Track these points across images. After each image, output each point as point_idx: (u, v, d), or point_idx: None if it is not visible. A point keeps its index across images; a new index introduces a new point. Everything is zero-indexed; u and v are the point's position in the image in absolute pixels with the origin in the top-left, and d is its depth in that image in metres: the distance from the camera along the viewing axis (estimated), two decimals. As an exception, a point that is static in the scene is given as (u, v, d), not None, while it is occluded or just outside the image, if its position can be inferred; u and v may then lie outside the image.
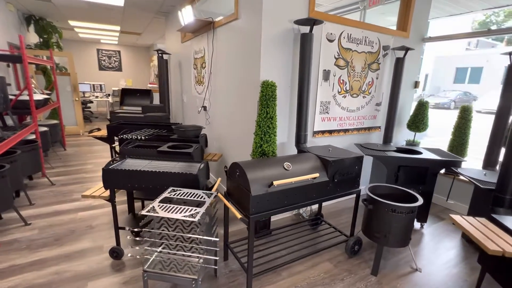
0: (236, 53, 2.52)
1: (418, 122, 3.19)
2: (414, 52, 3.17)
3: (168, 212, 1.41)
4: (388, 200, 1.89)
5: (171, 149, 2.30)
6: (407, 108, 3.39)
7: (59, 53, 5.29)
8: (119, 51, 10.07)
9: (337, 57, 2.53)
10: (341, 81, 2.64)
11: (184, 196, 1.60)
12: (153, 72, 9.49)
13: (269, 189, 1.57)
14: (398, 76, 2.87)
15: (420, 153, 2.57)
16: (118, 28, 6.76)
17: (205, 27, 3.12)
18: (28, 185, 3.19)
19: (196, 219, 1.33)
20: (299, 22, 2.12)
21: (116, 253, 1.94)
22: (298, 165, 1.77)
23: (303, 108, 2.21)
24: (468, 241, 2.36)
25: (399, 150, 2.65)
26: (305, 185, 1.71)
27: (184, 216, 1.36)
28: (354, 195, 2.05)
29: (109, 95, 8.82)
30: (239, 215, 1.54)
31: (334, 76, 2.57)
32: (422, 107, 3.17)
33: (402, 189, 2.05)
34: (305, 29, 2.25)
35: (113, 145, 2.94)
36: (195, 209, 1.43)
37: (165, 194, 1.59)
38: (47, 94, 4.50)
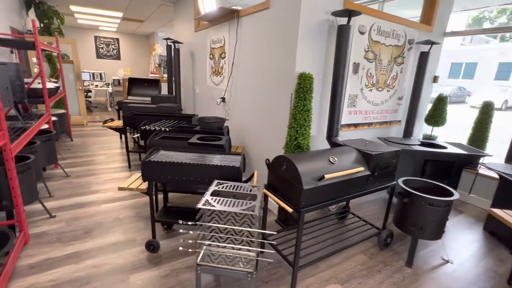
0: (265, 43, 2.47)
1: (437, 116, 3.22)
2: (434, 46, 3.17)
3: (223, 205, 1.39)
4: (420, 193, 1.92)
5: (202, 141, 2.26)
6: (425, 102, 3.41)
7: (63, 40, 5.08)
8: (117, 39, 9.78)
9: (366, 50, 2.51)
10: (369, 75, 2.63)
11: (231, 189, 1.57)
12: (153, 61, 9.27)
13: (318, 183, 1.56)
14: (422, 71, 2.87)
15: (443, 147, 2.60)
16: (120, 14, 6.53)
17: (227, 16, 3.03)
18: (44, 176, 3.10)
19: (255, 213, 1.32)
20: (337, 13, 2.08)
21: (152, 246, 1.92)
22: (341, 159, 1.77)
23: (337, 101, 2.19)
24: (490, 233, 2.43)
25: (423, 144, 2.68)
26: (350, 178, 1.71)
27: (242, 209, 1.34)
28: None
29: (108, 84, 8.59)
30: (289, 209, 1.54)
31: (363, 69, 2.56)
32: (441, 102, 3.20)
33: (433, 183, 2.08)
34: (341, 20, 2.21)
35: (134, 136, 2.86)
36: (250, 202, 1.41)
37: (213, 187, 1.56)
38: (54, 82, 4.34)
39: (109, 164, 3.62)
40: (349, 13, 2.05)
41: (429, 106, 3.36)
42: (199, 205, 1.36)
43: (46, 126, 3.19)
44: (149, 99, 4.86)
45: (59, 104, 4.64)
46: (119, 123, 3.53)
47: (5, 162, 1.76)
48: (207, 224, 1.45)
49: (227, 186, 1.61)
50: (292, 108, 2.11)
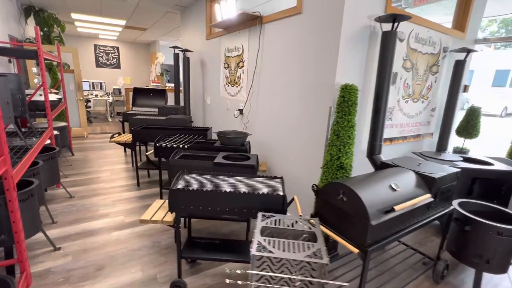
0: (295, 52, 2.25)
1: (470, 128, 3.02)
2: (464, 54, 2.99)
3: (279, 248, 1.13)
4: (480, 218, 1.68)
5: (231, 161, 2.00)
6: (456, 113, 3.21)
7: (64, 49, 4.83)
8: (117, 47, 9.56)
9: (405, 58, 2.31)
10: (406, 85, 2.42)
11: (279, 225, 1.32)
12: (154, 70, 9.05)
13: (386, 216, 1.31)
14: (457, 80, 2.68)
15: (489, 163, 2.38)
16: (123, 22, 6.32)
17: (246, 22, 2.82)
18: (45, 198, 2.80)
19: (325, 261, 1.06)
20: (381, 18, 1.88)
21: (179, 287, 1.64)
22: (400, 184, 1.52)
23: (380, 114, 1.97)
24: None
25: (466, 159, 2.46)
26: (416, 208, 1.47)
27: (308, 256, 1.08)
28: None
29: (108, 93, 8.32)
30: (354, 249, 1.28)
31: (401, 79, 2.35)
32: (474, 113, 3.01)
33: (492, 206, 1.85)
34: (385, 26, 2.00)
35: (147, 153, 2.60)
36: (312, 245, 1.16)
37: (260, 223, 1.30)
38: (55, 93, 4.07)
39: (116, 181, 3.33)
40: (394, 18, 1.85)
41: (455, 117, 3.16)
42: (253, 251, 1.10)
43: (48, 141, 2.90)
44: (156, 110, 4.60)
45: (59, 116, 4.36)
46: (127, 137, 3.26)
47: (6, 192, 1.48)
48: (258, 272, 1.18)
49: (275, 220, 1.35)
50: (334, 123, 1.87)
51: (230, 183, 1.64)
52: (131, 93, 5.80)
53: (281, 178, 1.72)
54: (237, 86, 3.20)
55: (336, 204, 1.42)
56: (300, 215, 1.51)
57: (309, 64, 2.13)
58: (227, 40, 3.32)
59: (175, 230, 1.58)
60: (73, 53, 5.02)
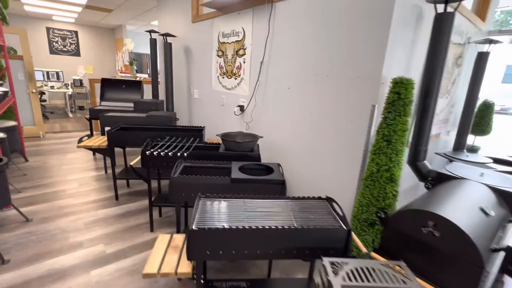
0: (322, 37, 1.84)
1: (483, 125, 2.88)
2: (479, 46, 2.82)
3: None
4: None
5: (250, 174, 1.56)
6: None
7: (9, 29, 3.91)
8: (76, 32, 8.36)
9: (440, 48, 2.01)
10: (437, 79, 2.14)
11: (361, 279, 0.93)
12: (121, 59, 8.08)
13: (496, 256, 0.99)
14: (480, 74, 2.47)
15: (518, 164, 2.22)
16: (84, 1, 5.39)
17: (250, 1, 2.34)
18: (-12, 224, 2.12)
19: None
20: (436, -4, 1.53)
21: None
22: (485, 205, 1.22)
23: (429, 113, 1.65)
24: None
25: (496, 161, 2.27)
26: (510, 236, 1.17)
27: None
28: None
29: (67, 85, 7.25)
30: (462, 305, 0.94)
31: (435, 72, 2.06)
32: (488, 108, 2.87)
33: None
34: (431, 7, 1.67)
35: (131, 163, 2.04)
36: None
37: (334, 278, 0.90)
38: (-2, 85, 3.24)
39: (87, 195, 2.71)
40: (448, -2, 1.52)
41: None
42: None
43: (-9, 149, 2.20)
44: (130, 105, 3.94)
45: (6, 113, 3.51)
46: (99, 140, 2.64)
47: None
48: None
49: (351, 271, 0.95)
50: (382, 126, 1.51)
51: (264, 211, 1.21)
52: (97, 85, 4.99)
53: (329, 199, 1.33)
54: (235, 78, 2.72)
55: (421, 239, 1.07)
56: (366, 253, 1.14)
57: (341, 52, 1.74)
58: (222, 23, 2.80)
59: (197, 283, 1.12)
60: (21, 36, 4.10)
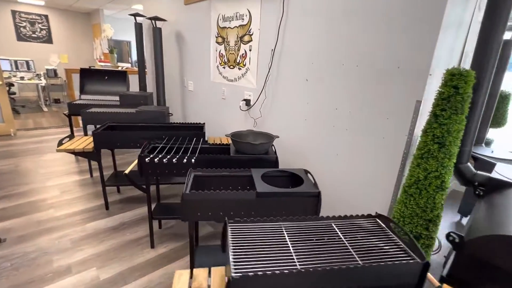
0: (349, 18, 1.57)
1: (499, 117, 2.76)
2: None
3: None
4: None
5: (277, 186, 1.30)
6: (478, 100, 2.93)
7: (-36, 10, 3.33)
8: (46, 16, 7.57)
9: (475, 34, 1.81)
10: (468, 69, 1.95)
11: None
12: (100, 46, 7.43)
13: None
14: (504, 63, 2.32)
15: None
16: (54, -20, 4.76)
17: (258, -23, 2.02)
18: (-50, 249, 1.75)
19: None
20: (494, -29, 1.30)
21: None
22: None
23: (477, 109, 1.45)
24: None
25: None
26: None
27: None
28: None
29: (40, 75, 6.58)
30: None
31: (468, 61, 1.86)
32: (504, 99, 2.75)
33: None
34: (481, -14, 1.44)
35: (126, 172, 1.72)
36: None
37: None
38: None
39: (71, 205, 2.35)
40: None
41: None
42: None
43: None
44: (116, 98, 3.54)
45: (-33, 110, 3.02)
46: (84, 142, 2.27)
47: None
48: None
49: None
50: (433, 126, 1.29)
51: (311, 240, 0.97)
52: (75, 76, 4.49)
53: (382, 218, 1.10)
54: (239, 68, 2.41)
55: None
56: (439, 286, 0.93)
57: (377, 36, 1.48)
58: (222, 5, 2.45)
59: None
60: (-19, 18, 3.53)
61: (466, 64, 1.57)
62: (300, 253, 0.89)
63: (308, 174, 1.46)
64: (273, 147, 1.87)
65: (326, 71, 1.74)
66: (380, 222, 1.09)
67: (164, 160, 1.57)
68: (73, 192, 2.56)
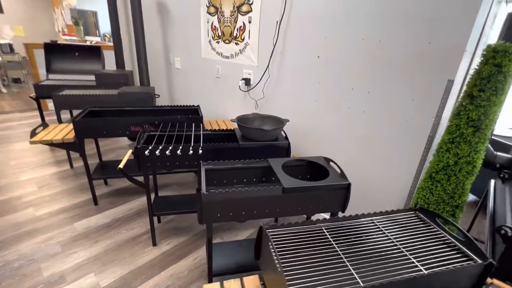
0: (373, -13, 1.39)
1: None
2: None
3: None
4: None
5: (302, 179, 1.18)
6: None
7: None
8: (-8, -20, 6.47)
9: None
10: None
11: None
12: (62, 17, 6.57)
13: None
14: None
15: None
16: None
17: None
18: None
19: None
20: None
21: None
22: None
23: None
24: None
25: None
26: None
27: None
28: None
29: (-9, 51, 5.76)
30: None
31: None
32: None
33: None
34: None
35: (120, 166, 1.50)
36: None
37: None
38: None
39: (54, 201, 2.10)
40: None
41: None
42: None
43: None
44: (91, 78, 3.14)
45: None
46: (61, 131, 1.97)
47: None
48: None
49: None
50: (468, 108, 1.20)
51: (360, 244, 0.86)
52: (37, 52, 3.94)
53: (424, 211, 1.02)
54: (236, 43, 2.16)
55: None
56: (491, 282, 0.88)
57: (405, 7, 1.32)
58: (214, -32, 2.14)
59: None
60: None
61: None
62: (353, 261, 0.79)
63: (331, 163, 1.34)
64: (282, 132, 1.71)
65: (342, 46, 1.57)
66: (423, 216, 1.01)
67: (167, 152, 1.37)
68: (53, 187, 2.28)
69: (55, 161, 2.70)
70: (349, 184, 1.17)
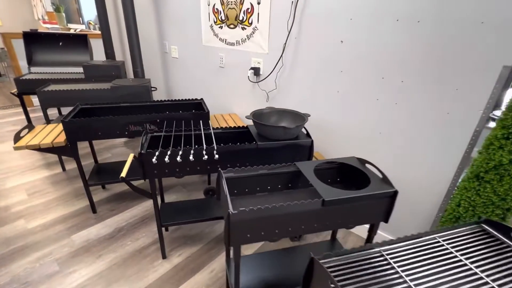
0: (413, -44, 1.18)
1: None
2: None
3: None
4: None
5: (342, 188, 1.01)
6: None
7: None
8: (-41, -38, 5.87)
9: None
10: None
11: None
12: (41, 4, 6.07)
13: None
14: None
15: None
16: None
17: None
18: None
19: None
20: None
21: None
22: None
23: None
24: None
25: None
26: None
27: None
28: None
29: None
30: None
31: None
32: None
33: None
34: None
35: (122, 175, 1.29)
36: None
37: None
38: None
39: (47, 211, 1.89)
40: None
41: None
42: None
43: None
44: (78, 70, 2.87)
45: None
46: (50, 133, 1.74)
47: None
48: None
49: None
50: (530, 99, 1.03)
51: (434, 273, 0.71)
52: (16, 42, 3.61)
53: (494, 224, 0.87)
54: (243, 28, 1.93)
55: None
56: None
57: (452, -18, 1.13)
58: None
59: None
60: None
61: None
62: (436, 301, 0.63)
63: (367, 165, 1.17)
64: (303, 128, 1.53)
65: (371, 29, 1.38)
66: (492, 231, 0.86)
67: (178, 158, 1.18)
68: (45, 194, 2.07)
69: (45, 164, 2.47)
70: (395, 192, 1.01)
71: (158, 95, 3.14)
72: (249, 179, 1.14)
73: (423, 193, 1.45)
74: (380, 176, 1.09)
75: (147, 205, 1.98)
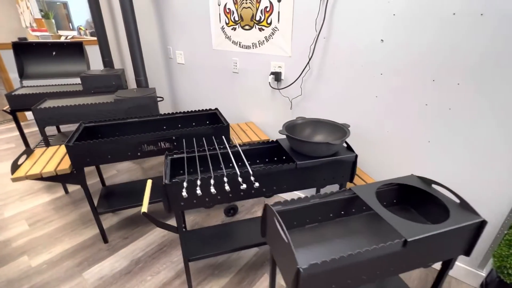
0: None
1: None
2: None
3: None
4: None
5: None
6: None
7: None
8: None
9: None
10: None
11: None
12: (29, 11, 5.78)
13: None
14: None
15: None
16: None
17: None
18: None
19: None
20: None
21: None
22: None
23: None
24: None
25: None
26: None
27: None
28: None
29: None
30: None
31: None
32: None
33: None
34: None
35: (144, 210, 1.11)
36: None
37: None
38: None
39: (52, 243, 1.69)
40: None
41: None
42: None
43: None
44: (74, 81, 2.66)
45: None
46: (52, 158, 1.54)
47: None
48: None
49: None
50: None
51: None
52: (5, 54, 3.38)
53: None
54: (261, 29, 1.74)
55: None
56: None
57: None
58: None
59: None
60: None
61: None
62: None
63: (434, 185, 1.00)
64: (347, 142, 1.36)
65: (419, 25, 1.20)
66: None
67: (212, 189, 0.99)
68: (48, 222, 1.86)
69: (46, 186, 2.26)
70: (482, 222, 0.84)
71: (164, 106, 2.94)
72: (298, 211, 0.97)
73: (485, 206, 1.28)
74: (456, 199, 0.92)
75: (163, 230, 1.79)
